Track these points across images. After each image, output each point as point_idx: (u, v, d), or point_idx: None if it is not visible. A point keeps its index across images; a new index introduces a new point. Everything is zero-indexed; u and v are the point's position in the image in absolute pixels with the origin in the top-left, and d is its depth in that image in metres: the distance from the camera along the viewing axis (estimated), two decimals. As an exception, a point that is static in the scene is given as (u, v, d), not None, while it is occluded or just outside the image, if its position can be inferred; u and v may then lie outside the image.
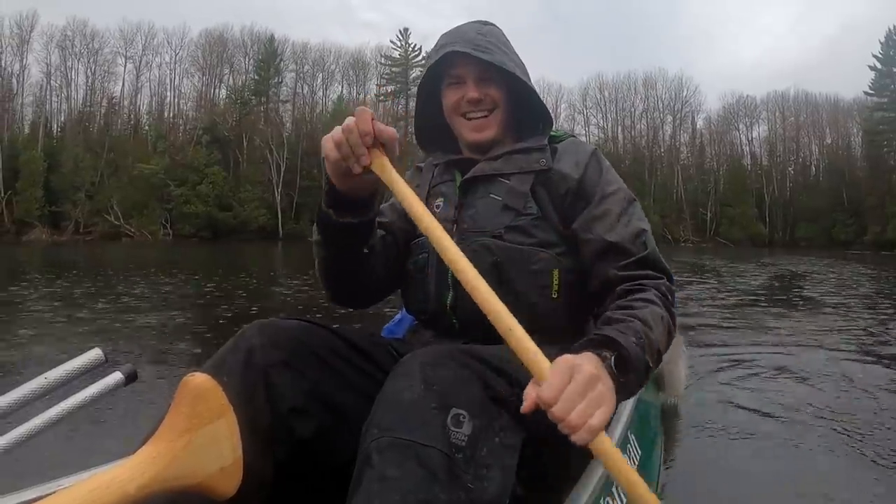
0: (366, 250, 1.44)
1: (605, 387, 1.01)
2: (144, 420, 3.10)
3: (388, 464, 0.96)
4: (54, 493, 0.81)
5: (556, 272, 1.43)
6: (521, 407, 0.99)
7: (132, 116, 62.84)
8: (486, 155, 1.57)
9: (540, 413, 1.09)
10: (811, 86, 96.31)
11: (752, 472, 2.63)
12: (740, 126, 71.86)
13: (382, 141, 1.17)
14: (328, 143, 1.19)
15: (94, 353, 1.14)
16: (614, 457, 0.97)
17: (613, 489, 1.32)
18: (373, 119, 1.16)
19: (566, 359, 1.01)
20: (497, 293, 1.29)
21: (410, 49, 68.33)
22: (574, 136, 1.61)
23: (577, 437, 0.93)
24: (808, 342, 6.10)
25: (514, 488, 1.06)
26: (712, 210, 63.87)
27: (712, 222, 64.05)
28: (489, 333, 1.39)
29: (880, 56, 60.37)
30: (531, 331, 1.33)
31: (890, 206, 52.89)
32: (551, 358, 1.03)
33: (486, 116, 1.54)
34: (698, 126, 72.59)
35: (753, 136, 71.65)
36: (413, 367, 1.10)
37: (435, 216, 1.52)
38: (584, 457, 1.30)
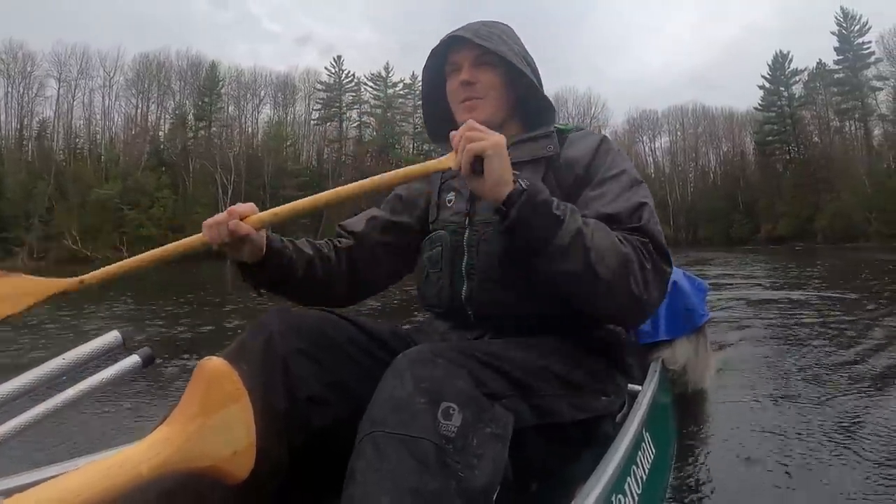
0: (303, 272, 1.44)
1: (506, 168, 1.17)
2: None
3: (381, 455, 0.93)
4: (69, 472, 0.76)
5: None
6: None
7: (68, 141, 58.39)
8: None
9: (551, 406, 1.18)
10: (712, 91, 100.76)
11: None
12: (644, 138, 74.35)
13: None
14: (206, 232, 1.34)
15: (112, 336, 1.06)
16: None
17: (626, 486, 1.28)
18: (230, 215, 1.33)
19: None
20: (511, 279, 1.31)
21: (344, 75, 67.77)
22: (583, 128, 1.50)
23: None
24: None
25: (506, 474, 1.02)
26: (623, 215, 65.51)
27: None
28: (502, 325, 1.37)
29: (769, 76, 63.97)
30: (544, 315, 1.33)
31: (779, 207, 56.19)
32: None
33: (479, 99, 1.44)
34: (606, 139, 74.25)
35: (657, 146, 74.33)
36: (403, 367, 1.06)
37: (447, 210, 1.49)
38: (596, 453, 1.27)
